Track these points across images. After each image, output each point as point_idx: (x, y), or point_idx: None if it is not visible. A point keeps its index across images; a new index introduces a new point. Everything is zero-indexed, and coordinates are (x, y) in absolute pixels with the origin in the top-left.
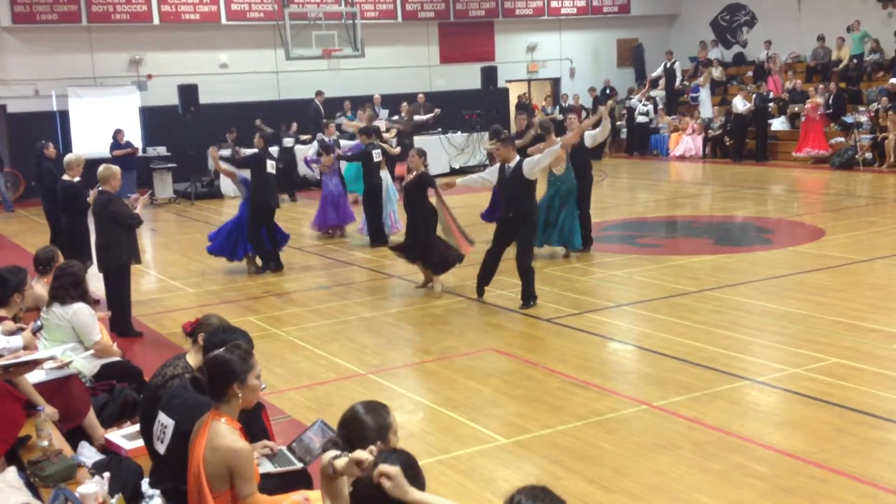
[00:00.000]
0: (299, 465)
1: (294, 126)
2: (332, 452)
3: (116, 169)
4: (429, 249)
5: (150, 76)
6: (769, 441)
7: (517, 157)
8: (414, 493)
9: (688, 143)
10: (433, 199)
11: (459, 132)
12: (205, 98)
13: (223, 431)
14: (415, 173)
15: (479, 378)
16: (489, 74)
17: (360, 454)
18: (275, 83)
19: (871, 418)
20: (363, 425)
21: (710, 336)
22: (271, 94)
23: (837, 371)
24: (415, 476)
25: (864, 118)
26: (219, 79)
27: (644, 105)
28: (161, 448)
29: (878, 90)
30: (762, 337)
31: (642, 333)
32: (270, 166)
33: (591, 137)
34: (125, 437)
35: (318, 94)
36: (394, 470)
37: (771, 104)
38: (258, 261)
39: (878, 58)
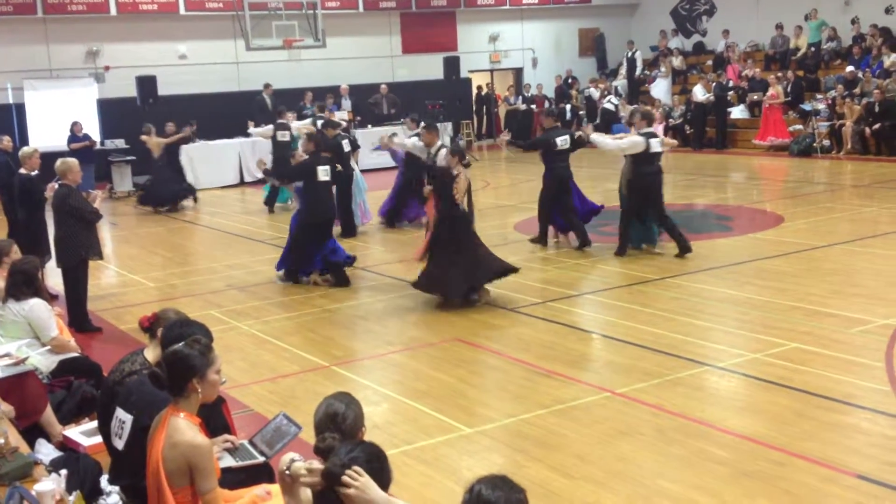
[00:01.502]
0: (261, 459)
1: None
2: (286, 459)
3: (73, 162)
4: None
5: (107, 68)
6: (730, 426)
7: (438, 142)
8: (379, 499)
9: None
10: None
11: (422, 123)
12: (163, 90)
13: (182, 427)
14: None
15: (443, 368)
16: (452, 64)
17: (315, 464)
18: (235, 74)
19: (829, 402)
20: (346, 417)
21: (671, 323)
22: (231, 86)
23: (796, 356)
24: (381, 469)
25: (821, 106)
26: (178, 70)
27: (608, 102)
28: (119, 444)
29: (836, 78)
30: (722, 323)
31: (605, 321)
32: (324, 172)
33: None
34: (83, 433)
35: (266, 86)
36: (362, 481)
37: (730, 93)
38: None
39: (835, 46)
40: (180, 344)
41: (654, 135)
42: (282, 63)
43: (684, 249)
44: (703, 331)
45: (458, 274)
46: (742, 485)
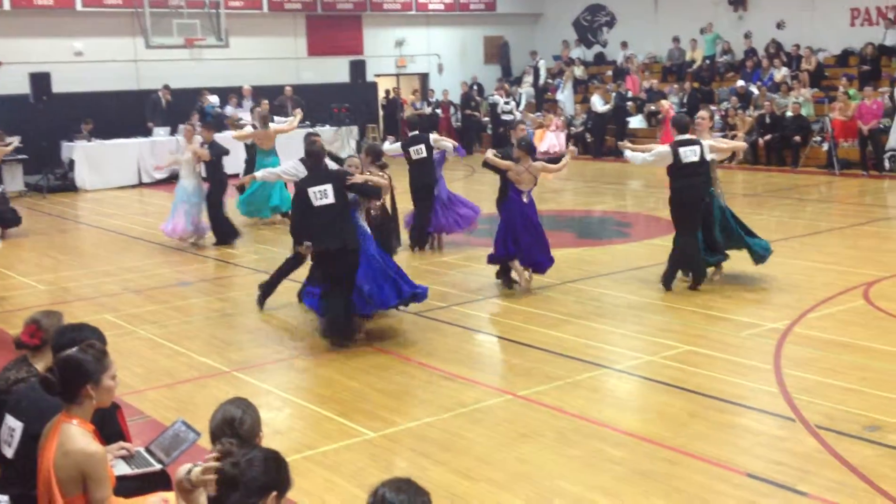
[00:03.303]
0: (158, 467)
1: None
2: (187, 466)
3: None
4: None
5: None
6: (626, 427)
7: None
8: None
9: (551, 139)
10: None
11: (328, 126)
12: (58, 87)
13: (75, 434)
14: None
15: (347, 373)
16: (358, 68)
17: (212, 463)
18: (134, 72)
19: (721, 403)
20: (243, 422)
21: (571, 326)
22: (130, 84)
23: (690, 358)
24: (277, 469)
25: (715, 117)
26: (73, 67)
27: (506, 103)
28: (9, 452)
29: (729, 90)
30: (621, 327)
31: (509, 325)
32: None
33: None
34: None
35: (165, 87)
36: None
37: (629, 103)
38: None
39: (729, 59)
40: (73, 349)
41: (690, 142)
42: (184, 62)
43: (697, 282)
44: (602, 334)
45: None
46: (638, 484)
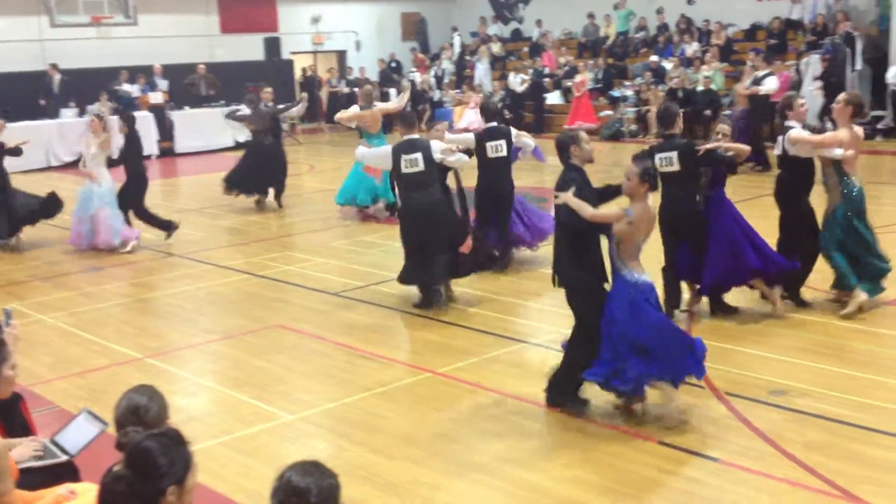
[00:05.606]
0: (64, 458)
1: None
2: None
3: None
4: None
5: None
6: (543, 399)
7: None
8: None
9: (471, 116)
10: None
11: (243, 105)
12: None
13: None
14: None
15: (264, 356)
16: (272, 46)
17: None
18: (40, 52)
19: None
20: (149, 410)
21: (490, 303)
22: (36, 64)
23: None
24: (171, 447)
25: (629, 92)
26: None
27: (423, 81)
28: None
29: (642, 66)
30: (539, 301)
31: None
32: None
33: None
34: None
35: (52, 66)
36: None
37: (546, 79)
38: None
39: (643, 35)
40: None
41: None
42: (91, 41)
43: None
44: (522, 309)
45: None
46: (556, 456)
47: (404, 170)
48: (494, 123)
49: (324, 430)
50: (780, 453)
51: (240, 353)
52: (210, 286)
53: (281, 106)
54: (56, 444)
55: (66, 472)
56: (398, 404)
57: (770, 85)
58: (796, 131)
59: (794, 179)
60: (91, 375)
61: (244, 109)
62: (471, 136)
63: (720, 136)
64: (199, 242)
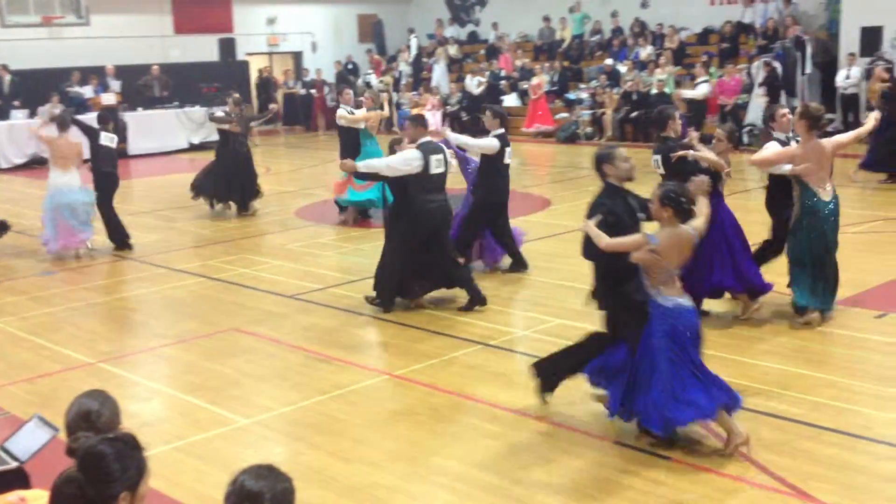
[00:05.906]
0: (14, 465)
1: None
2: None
3: None
4: None
5: None
6: (500, 401)
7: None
8: None
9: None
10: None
11: (198, 106)
12: None
13: None
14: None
15: (219, 359)
16: (227, 46)
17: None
18: None
19: None
20: (100, 415)
21: (446, 305)
22: None
23: (562, 332)
24: (123, 454)
25: (584, 95)
26: None
27: (381, 82)
28: None
29: (598, 69)
30: (494, 302)
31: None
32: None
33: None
34: None
35: (3, 67)
36: None
37: (503, 81)
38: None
39: (598, 38)
40: None
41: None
42: (43, 41)
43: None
44: (478, 311)
45: None
46: (512, 456)
47: (434, 170)
48: (503, 130)
49: (280, 433)
50: (734, 452)
51: (194, 357)
52: (164, 290)
53: (258, 115)
54: (6, 451)
55: (16, 478)
56: (355, 407)
57: (702, 90)
58: (756, 155)
59: (777, 189)
60: (42, 381)
61: (219, 112)
62: (495, 141)
63: (715, 140)
64: (154, 245)
